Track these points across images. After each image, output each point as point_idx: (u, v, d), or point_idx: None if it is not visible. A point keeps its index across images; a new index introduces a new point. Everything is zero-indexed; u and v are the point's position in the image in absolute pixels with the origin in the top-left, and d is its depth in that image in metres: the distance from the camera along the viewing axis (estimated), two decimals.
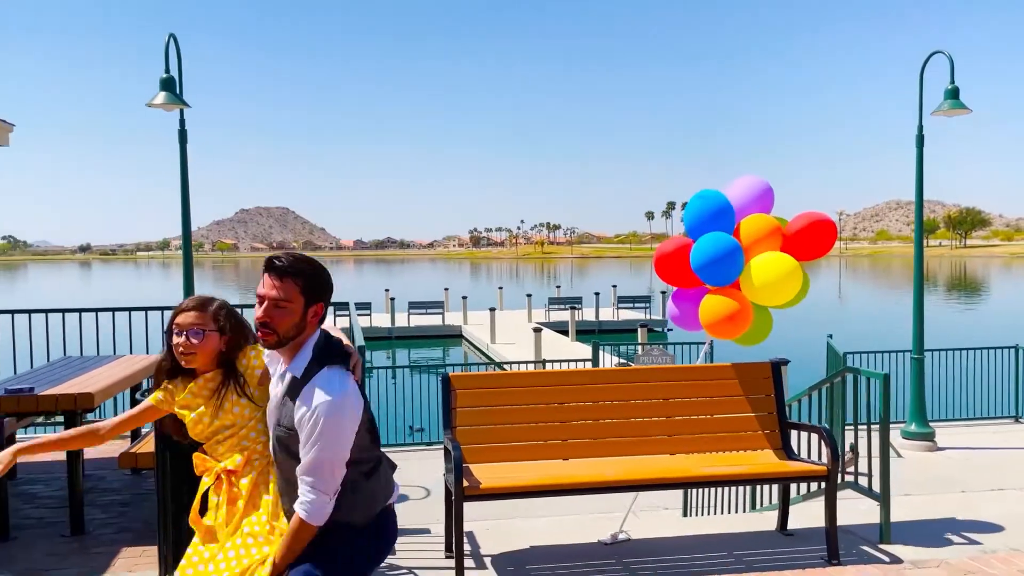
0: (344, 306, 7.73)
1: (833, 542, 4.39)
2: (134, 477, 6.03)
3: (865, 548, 4.59)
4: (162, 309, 8.02)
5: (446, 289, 35.49)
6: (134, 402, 6.34)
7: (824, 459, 4.49)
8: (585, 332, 27.70)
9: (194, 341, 2.63)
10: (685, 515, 6.38)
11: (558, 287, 46.63)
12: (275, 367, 2.55)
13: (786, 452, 4.71)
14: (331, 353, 2.43)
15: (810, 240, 4.35)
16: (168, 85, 8.44)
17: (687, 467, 4.51)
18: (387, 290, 34.49)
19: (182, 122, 8.80)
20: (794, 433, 5.11)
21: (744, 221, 4.28)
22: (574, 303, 30.33)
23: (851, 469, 6.87)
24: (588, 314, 31.15)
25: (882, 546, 4.62)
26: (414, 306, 29.28)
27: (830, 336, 9.65)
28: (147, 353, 7.12)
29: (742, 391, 4.86)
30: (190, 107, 8.67)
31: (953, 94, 9.91)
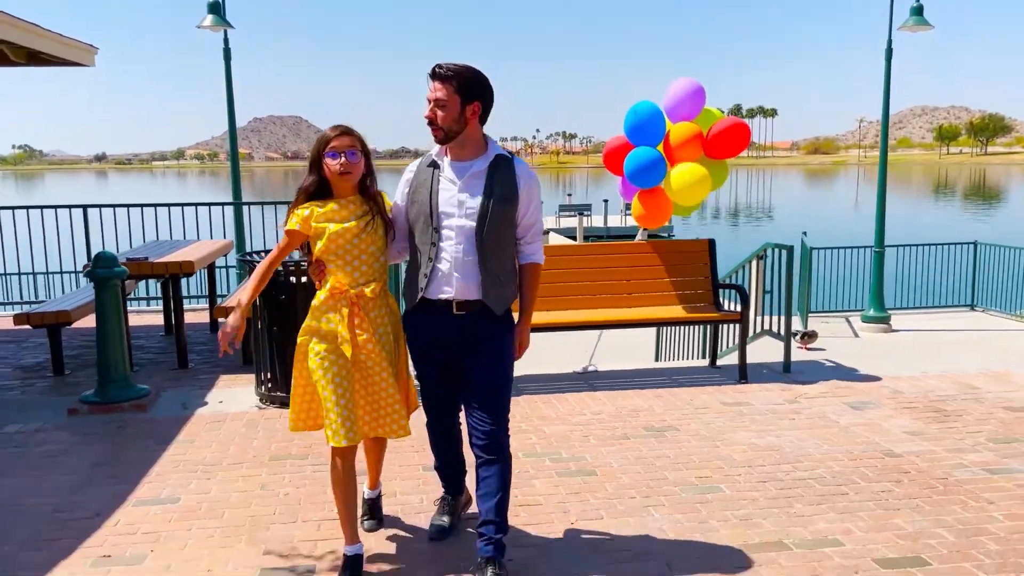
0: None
1: (743, 368, 5.95)
2: (213, 335, 7.64)
3: (770, 375, 6.13)
4: (219, 204, 9.55)
5: None
6: (211, 276, 7.94)
7: (739, 308, 5.98)
8: (594, 237, 29.05)
9: (352, 160, 3.01)
10: (657, 360, 7.99)
11: (569, 195, 47.66)
12: (443, 164, 3.05)
13: (715, 305, 6.19)
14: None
15: (726, 141, 5.66)
16: (215, 9, 9.73)
17: (640, 314, 6.02)
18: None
19: (226, 41, 10.11)
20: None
21: (672, 128, 5.64)
22: (583, 210, 31.55)
23: (812, 345, 8.36)
24: (597, 221, 32.42)
25: (784, 374, 6.16)
26: None
27: (804, 234, 11.02)
28: (211, 238, 8.70)
29: (686, 261, 6.31)
30: (234, 28, 9.96)
31: (918, 11, 10.98)
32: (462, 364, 3.13)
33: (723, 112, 5.84)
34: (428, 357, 3.19)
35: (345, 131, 3.04)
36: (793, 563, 3.22)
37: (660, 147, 5.73)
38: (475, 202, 2.98)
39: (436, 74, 2.94)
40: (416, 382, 3.34)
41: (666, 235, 30.05)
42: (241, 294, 3.20)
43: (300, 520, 3.65)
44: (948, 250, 12.84)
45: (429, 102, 2.97)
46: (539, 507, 3.76)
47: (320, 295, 3.10)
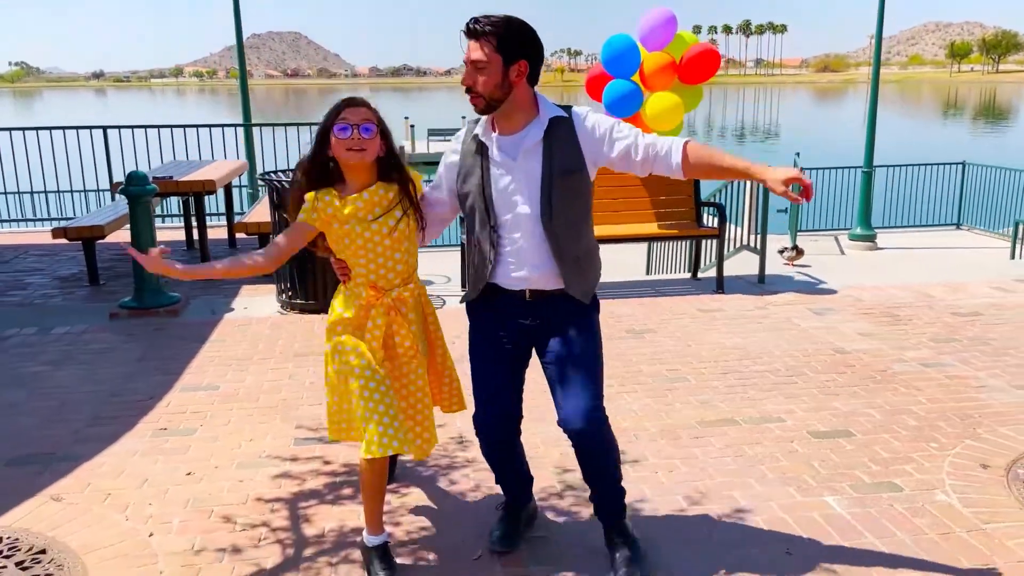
0: None
1: (720, 279, 6.52)
2: (232, 250, 8.19)
3: (745, 286, 6.70)
4: (231, 126, 9.97)
5: (463, 117, 36.40)
6: (228, 195, 8.45)
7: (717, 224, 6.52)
8: None
9: (366, 136, 2.53)
10: (648, 274, 8.56)
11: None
12: (491, 144, 2.57)
13: (697, 222, 6.71)
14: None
15: (698, 67, 6.20)
16: None
17: (627, 231, 6.55)
18: (406, 117, 35.73)
19: None
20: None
21: (646, 58, 6.12)
22: None
23: (798, 262, 8.90)
24: None
25: (758, 285, 6.73)
26: (433, 133, 30.59)
27: (797, 154, 11.43)
28: (225, 159, 9.18)
29: (671, 181, 6.78)
30: None
31: None
32: (545, 346, 2.70)
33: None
34: (496, 349, 2.74)
35: (361, 102, 2.60)
36: (739, 434, 3.84)
37: (636, 77, 6.23)
38: (534, 183, 2.53)
39: (471, 31, 2.46)
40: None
41: None
42: (197, 269, 2.75)
43: (325, 403, 4.26)
44: (937, 170, 13.26)
45: (465, 64, 2.48)
46: (526, 393, 4.35)
47: (349, 298, 2.70)
